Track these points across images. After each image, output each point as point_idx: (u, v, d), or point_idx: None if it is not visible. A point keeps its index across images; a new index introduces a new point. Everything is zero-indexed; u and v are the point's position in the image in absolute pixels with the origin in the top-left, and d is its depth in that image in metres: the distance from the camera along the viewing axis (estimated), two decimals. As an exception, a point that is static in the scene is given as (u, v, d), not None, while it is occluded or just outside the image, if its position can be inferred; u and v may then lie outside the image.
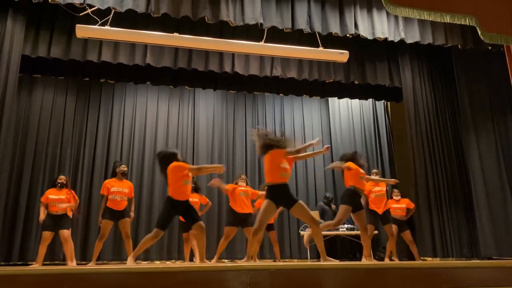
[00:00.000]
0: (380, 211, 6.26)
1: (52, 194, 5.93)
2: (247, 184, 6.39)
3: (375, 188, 6.39)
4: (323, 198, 8.70)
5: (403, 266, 3.18)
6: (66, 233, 5.84)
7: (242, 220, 6.02)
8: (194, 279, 2.62)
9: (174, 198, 4.44)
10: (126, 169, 6.05)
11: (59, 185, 6.00)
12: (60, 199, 5.90)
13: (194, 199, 6.14)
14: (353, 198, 5.18)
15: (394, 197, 6.67)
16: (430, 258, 6.91)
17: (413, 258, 6.59)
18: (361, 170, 5.31)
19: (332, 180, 9.52)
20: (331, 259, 4.37)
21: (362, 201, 6.26)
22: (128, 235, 5.76)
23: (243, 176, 6.41)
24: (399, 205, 6.59)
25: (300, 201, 4.13)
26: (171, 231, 7.99)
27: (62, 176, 6.12)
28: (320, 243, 4.16)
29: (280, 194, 4.12)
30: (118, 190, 5.80)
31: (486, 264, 3.44)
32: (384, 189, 6.45)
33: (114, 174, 6.00)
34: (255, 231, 4.10)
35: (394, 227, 6.29)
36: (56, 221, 5.82)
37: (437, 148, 7.53)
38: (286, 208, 4.24)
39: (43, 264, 5.99)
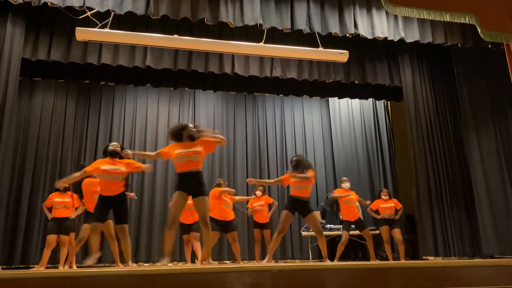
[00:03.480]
0: (350, 217, 6.26)
1: (56, 197, 5.98)
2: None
3: (344, 194, 6.35)
4: (325, 199, 8.70)
5: (405, 265, 3.18)
6: (66, 238, 5.88)
7: (223, 226, 5.92)
8: (196, 280, 2.61)
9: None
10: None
11: (61, 189, 6.04)
12: (64, 202, 5.96)
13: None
14: (288, 203, 5.31)
15: (382, 197, 6.68)
16: (432, 257, 6.90)
17: (415, 258, 6.58)
18: (292, 179, 5.27)
19: (333, 181, 9.51)
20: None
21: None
22: (112, 236, 5.62)
23: (222, 181, 6.27)
24: (388, 205, 6.61)
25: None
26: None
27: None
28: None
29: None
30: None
31: (488, 263, 3.44)
32: (353, 196, 6.37)
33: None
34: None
35: (367, 231, 6.28)
36: (60, 225, 5.85)
37: (438, 147, 7.52)
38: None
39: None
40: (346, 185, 6.45)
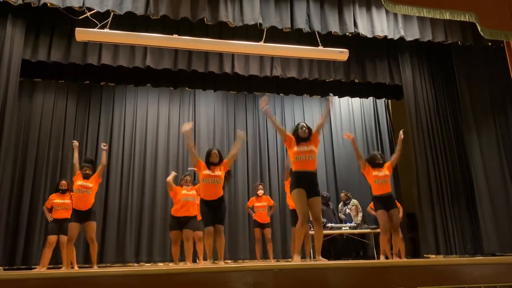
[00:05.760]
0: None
1: (56, 199, 6.03)
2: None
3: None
4: (321, 198, 8.67)
5: (406, 264, 3.17)
6: (65, 238, 5.89)
7: (183, 223, 5.71)
8: (197, 280, 2.61)
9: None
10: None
11: (61, 191, 6.10)
12: (64, 203, 6.03)
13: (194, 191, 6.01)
14: (376, 204, 5.42)
15: None
16: (433, 256, 6.90)
17: (416, 256, 6.57)
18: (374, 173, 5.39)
19: (334, 180, 9.50)
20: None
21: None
22: (92, 238, 5.51)
23: (189, 178, 6.06)
24: None
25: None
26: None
27: (63, 182, 6.27)
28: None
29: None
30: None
31: (488, 261, 3.44)
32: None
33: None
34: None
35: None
36: (61, 226, 5.88)
37: (438, 146, 7.52)
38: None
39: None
40: None
